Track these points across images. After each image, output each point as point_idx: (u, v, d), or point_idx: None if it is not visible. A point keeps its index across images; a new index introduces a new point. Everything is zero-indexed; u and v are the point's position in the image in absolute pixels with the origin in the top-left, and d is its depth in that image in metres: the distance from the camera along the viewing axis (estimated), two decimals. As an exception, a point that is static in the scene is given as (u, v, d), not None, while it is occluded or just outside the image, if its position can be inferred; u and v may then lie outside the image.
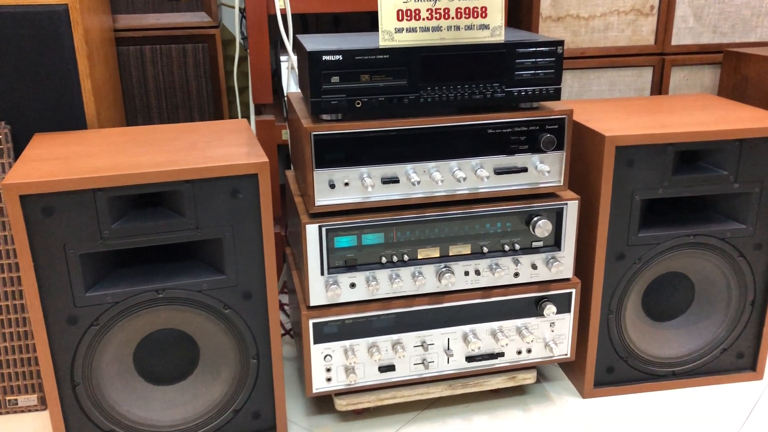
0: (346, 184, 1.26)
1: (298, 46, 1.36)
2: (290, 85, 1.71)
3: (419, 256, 1.34)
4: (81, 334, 1.23)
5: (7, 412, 1.49)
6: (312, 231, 1.27)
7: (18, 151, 1.41)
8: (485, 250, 1.36)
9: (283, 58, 1.71)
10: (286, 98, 1.59)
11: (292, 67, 1.68)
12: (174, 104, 2.00)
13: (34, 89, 1.41)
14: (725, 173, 1.43)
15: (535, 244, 1.38)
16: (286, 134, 1.76)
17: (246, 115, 2.19)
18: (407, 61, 1.22)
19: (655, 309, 1.55)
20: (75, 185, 1.14)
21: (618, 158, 1.37)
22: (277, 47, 1.80)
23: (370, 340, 1.36)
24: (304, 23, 2.11)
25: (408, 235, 1.32)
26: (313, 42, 1.29)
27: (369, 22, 2.15)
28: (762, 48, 1.93)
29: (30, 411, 1.50)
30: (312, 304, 1.31)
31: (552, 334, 1.44)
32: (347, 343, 1.35)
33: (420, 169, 1.28)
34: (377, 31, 1.24)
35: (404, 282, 1.34)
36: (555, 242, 1.39)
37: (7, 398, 1.48)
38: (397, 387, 1.42)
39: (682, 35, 1.96)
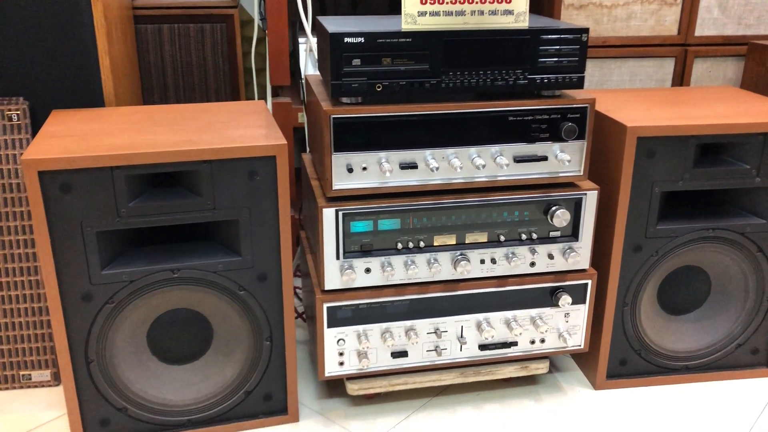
0: (364, 168, 1.25)
1: (317, 28, 1.35)
2: (308, 67, 1.70)
3: (435, 243, 1.33)
4: (96, 312, 1.23)
5: (21, 387, 1.50)
6: (328, 215, 1.26)
7: (36, 127, 1.41)
8: (502, 238, 1.35)
9: (301, 39, 1.69)
10: (303, 80, 1.58)
11: (311, 49, 1.67)
12: (191, 84, 1.99)
13: (53, 66, 1.40)
14: (747, 167, 1.41)
15: (552, 234, 1.37)
16: (302, 117, 1.75)
17: (262, 97, 2.19)
18: (429, 45, 1.21)
19: (670, 302, 1.54)
20: (93, 162, 1.14)
21: (639, 149, 1.35)
22: (296, 29, 1.78)
23: (384, 325, 1.36)
24: (322, 5, 2.09)
25: (425, 221, 1.31)
26: (334, 24, 1.27)
27: (387, 5, 2.13)
28: (787, 41, 1.90)
29: (43, 386, 1.51)
30: (326, 288, 1.31)
31: (566, 325, 1.44)
32: (360, 327, 1.35)
33: (439, 155, 1.27)
34: (396, 14, 1.22)
35: (419, 268, 1.33)
36: (572, 232, 1.38)
37: (21, 373, 1.49)
38: (409, 373, 1.42)
39: (706, 26, 1.93)
